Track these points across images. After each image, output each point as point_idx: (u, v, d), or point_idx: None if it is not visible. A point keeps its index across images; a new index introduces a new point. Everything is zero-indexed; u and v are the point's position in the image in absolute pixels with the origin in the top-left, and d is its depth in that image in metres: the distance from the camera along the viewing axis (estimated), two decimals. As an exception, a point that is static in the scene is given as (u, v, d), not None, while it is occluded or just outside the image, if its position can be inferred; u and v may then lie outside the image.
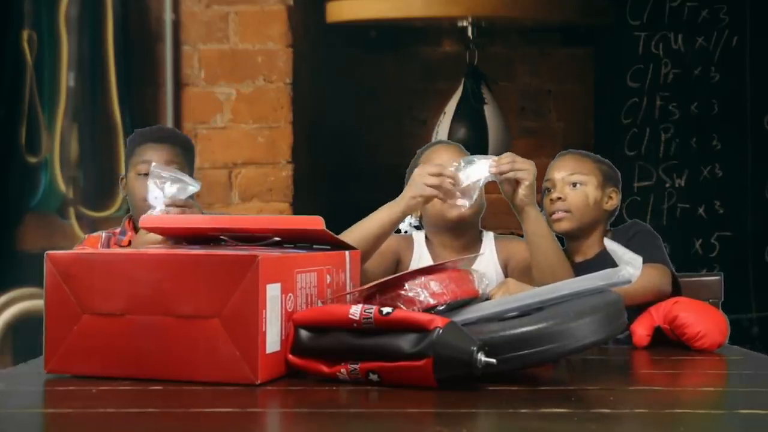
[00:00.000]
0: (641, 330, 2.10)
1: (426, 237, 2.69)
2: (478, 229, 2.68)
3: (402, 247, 2.67)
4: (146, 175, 2.63)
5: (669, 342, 2.13)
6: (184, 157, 2.81)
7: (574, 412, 1.43)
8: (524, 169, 2.28)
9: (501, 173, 2.28)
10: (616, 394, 1.63)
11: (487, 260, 2.57)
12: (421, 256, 2.65)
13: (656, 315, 2.11)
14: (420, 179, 2.30)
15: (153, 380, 1.61)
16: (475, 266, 2.29)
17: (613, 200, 2.63)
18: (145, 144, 2.78)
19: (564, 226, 2.56)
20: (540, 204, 2.60)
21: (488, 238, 2.66)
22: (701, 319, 2.05)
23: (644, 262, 2.37)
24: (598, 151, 4.90)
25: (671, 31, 4.97)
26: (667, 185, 4.94)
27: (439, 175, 2.29)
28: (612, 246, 1.69)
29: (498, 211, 5.47)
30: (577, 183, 2.56)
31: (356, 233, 2.32)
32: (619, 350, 2.13)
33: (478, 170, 2.30)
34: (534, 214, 2.33)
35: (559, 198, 2.55)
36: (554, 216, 2.56)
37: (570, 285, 1.69)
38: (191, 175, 2.85)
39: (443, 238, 2.64)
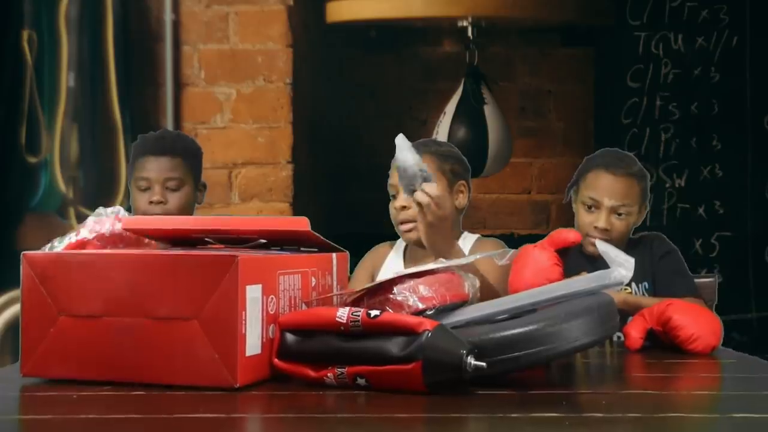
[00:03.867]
0: (634, 333, 2.06)
1: None
2: (455, 235, 2.62)
3: (379, 255, 2.78)
4: (146, 189, 2.68)
5: (662, 345, 2.10)
6: (186, 167, 2.79)
7: (566, 416, 1.40)
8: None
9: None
10: (608, 398, 1.60)
11: None
12: (393, 259, 2.75)
13: (649, 317, 2.08)
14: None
15: (135, 385, 1.57)
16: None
17: (642, 215, 2.61)
18: (145, 157, 2.76)
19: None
20: (568, 194, 2.64)
21: (466, 242, 2.64)
22: (695, 322, 2.02)
23: (684, 293, 2.36)
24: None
25: (671, 31, 5.00)
26: (667, 185, 4.97)
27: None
28: (603, 247, 1.66)
29: (499, 211, 5.56)
30: (623, 214, 2.53)
31: None
32: (611, 353, 2.11)
33: None
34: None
35: (606, 229, 2.51)
36: (592, 241, 2.48)
37: (562, 287, 1.66)
38: (198, 179, 2.83)
39: (412, 246, 2.71)
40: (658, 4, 4.99)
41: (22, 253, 1.66)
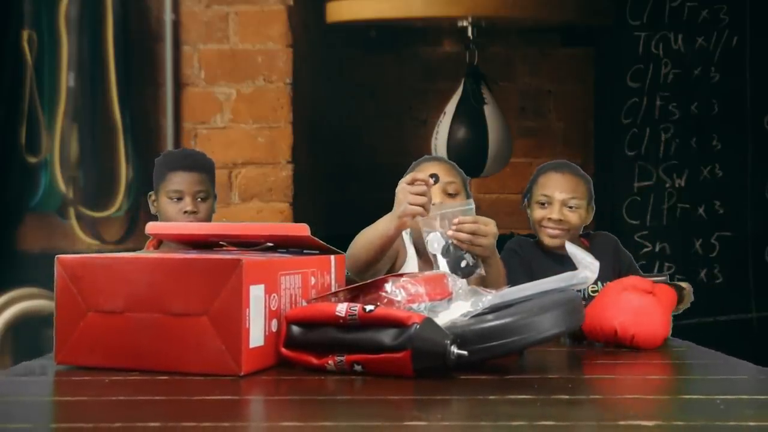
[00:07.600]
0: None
1: None
2: None
3: (400, 246, 2.96)
4: (178, 200, 3.09)
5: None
6: (209, 181, 3.19)
7: (537, 398, 1.65)
8: (483, 245, 2.42)
9: (459, 240, 2.43)
10: (573, 382, 1.87)
11: None
12: (408, 254, 2.95)
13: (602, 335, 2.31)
14: (404, 198, 2.43)
15: (159, 371, 1.82)
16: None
17: (590, 215, 3.02)
18: (175, 171, 3.14)
19: (557, 242, 2.93)
20: (523, 202, 3.05)
21: None
22: (635, 324, 2.22)
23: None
24: (598, 151, 5.08)
25: (671, 31, 5.13)
26: (667, 185, 5.10)
27: (422, 194, 2.42)
28: (572, 249, 1.94)
29: (499, 211, 5.68)
30: (573, 207, 2.94)
31: (361, 241, 2.62)
32: (575, 344, 2.32)
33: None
34: (494, 261, 2.53)
35: (560, 220, 2.92)
36: (549, 232, 2.95)
37: (535, 286, 1.93)
38: (213, 190, 3.20)
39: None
40: (658, 4, 5.11)
41: (56, 256, 1.91)
